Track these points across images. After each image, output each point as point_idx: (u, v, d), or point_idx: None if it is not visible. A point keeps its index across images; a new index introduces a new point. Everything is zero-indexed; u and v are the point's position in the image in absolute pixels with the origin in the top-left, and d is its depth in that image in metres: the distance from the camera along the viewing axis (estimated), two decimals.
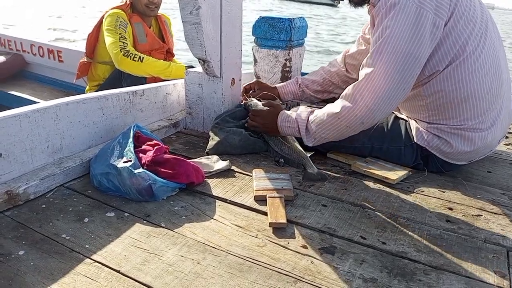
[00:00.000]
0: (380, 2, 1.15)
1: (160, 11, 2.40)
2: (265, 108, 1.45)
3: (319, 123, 1.26)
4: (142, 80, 2.12)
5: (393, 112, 1.42)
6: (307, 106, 1.47)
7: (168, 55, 2.45)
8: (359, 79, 1.17)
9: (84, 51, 2.38)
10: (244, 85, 1.68)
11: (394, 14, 1.10)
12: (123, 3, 2.25)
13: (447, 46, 1.15)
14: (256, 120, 1.44)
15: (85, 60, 2.38)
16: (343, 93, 1.22)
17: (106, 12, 2.22)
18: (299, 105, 1.66)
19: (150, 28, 2.33)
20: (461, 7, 1.13)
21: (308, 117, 1.30)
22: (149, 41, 2.27)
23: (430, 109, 1.25)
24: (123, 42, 2.10)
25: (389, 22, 1.11)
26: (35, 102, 2.94)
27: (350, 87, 1.19)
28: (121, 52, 2.06)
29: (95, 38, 2.29)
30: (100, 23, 2.24)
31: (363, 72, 1.16)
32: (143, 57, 2.09)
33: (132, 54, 2.07)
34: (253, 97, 1.60)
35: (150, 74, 2.12)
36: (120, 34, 2.11)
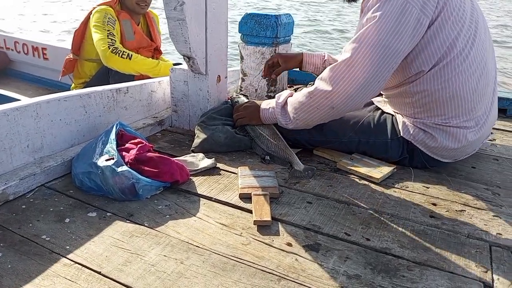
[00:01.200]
0: None
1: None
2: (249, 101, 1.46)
3: (294, 103, 1.28)
4: (130, 78, 2.09)
5: (379, 107, 1.42)
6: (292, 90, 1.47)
7: (156, 52, 2.42)
8: (338, 62, 1.17)
9: (70, 48, 2.34)
10: (265, 63, 1.68)
11: (381, 5, 1.10)
12: (110, 0, 2.22)
13: (434, 46, 1.15)
14: (239, 110, 1.46)
15: (71, 57, 2.34)
16: (321, 75, 1.22)
17: (94, 8, 2.18)
18: None
19: (138, 25, 2.30)
20: (449, 7, 1.13)
21: (287, 99, 1.32)
22: (136, 39, 2.24)
23: (416, 106, 1.26)
24: (111, 39, 2.07)
25: (374, 13, 1.11)
26: (19, 101, 2.89)
27: (328, 69, 1.19)
28: (109, 48, 2.03)
29: (81, 34, 2.24)
30: (87, 19, 2.21)
31: (343, 56, 1.16)
32: (131, 55, 2.06)
33: (121, 51, 2.04)
34: (277, 75, 1.65)
35: (138, 72, 2.09)
36: (108, 30, 2.08)
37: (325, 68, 1.64)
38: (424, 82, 1.20)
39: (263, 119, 1.39)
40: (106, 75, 2.17)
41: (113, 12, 2.16)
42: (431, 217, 1.05)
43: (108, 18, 2.11)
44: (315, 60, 1.67)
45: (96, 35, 2.09)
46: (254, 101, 1.48)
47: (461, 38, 1.15)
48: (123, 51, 2.05)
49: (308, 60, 1.67)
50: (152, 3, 2.33)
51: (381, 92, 1.41)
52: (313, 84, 1.24)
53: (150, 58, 2.19)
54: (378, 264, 0.86)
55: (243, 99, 1.52)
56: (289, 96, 1.33)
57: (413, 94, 1.24)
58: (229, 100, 1.58)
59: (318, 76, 1.26)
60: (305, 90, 1.25)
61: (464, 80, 1.17)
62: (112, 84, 2.11)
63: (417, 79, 1.21)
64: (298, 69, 1.71)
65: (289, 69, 1.73)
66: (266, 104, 1.39)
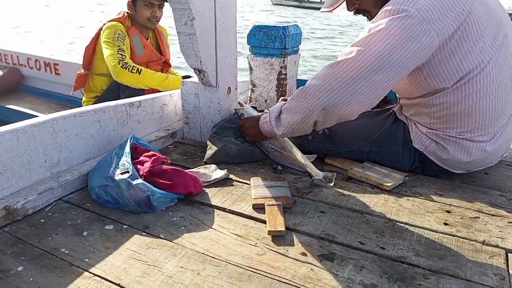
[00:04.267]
0: (390, 2, 1.13)
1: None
2: (254, 114, 1.46)
3: (288, 107, 1.25)
4: (140, 92, 2.13)
5: (391, 112, 1.41)
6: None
7: (165, 65, 2.46)
8: (337, 60, 1.15)
9: (81, 63, 2.40)
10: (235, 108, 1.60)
11: (400, 18, 1.07)
12: (120, 15, 2.27)
13: (454, 64, 1.13)
14: (242, 128, 1.46)
15: (83, 71, 2.39)
16: (317, 73, 1.19)
17: (104, 24, 2.23)
18: None
19: (147, 40, 2.35)
20: (468, 25, 1.10)
21: (282, 107, 1.29)
22: (146, 53, 2.29)
23: (433, 117, 1.25)
24: (121, 54, 2.11)
25: (390, 22, 1.08)
26: (33, 116, 2.94)
27: (325, 67, 1.17)
28: (119, 64, 2.08)
29: (92, 50, 2.30)
30: (97, 35, 2.26)
31: (344, 56, 1.14)
32: (141, 69, 2.10)
33: (130, 66, 2.09)
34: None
35: (148, 86, 2.13)
36: (118, 46, 2.13)
37: None
38: (444, 95, 1.18)
39: (265, 134, 1.39)
40: (116, 90, 2.21)
41: (123, 27, 2.21)
42: (445, 224, 1.05)
43: (118, 34, 2.16)
44: None
45: (106, 51, 2.14)
46: (254, 116, 1.45)
47: (481, 57, 1.12)
48: (133, 66, 2.10)
49: None
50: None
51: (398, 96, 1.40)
52: None
53: (159, 72, 2.23)
54: (394, 273, 0.86)
55: (248, 112, 1.51)
56: (283, 105, 1.29)
57: (432, 105, 1.22)
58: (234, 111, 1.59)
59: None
60: (298, 90, 1.22)
61: (485, 96, 1.16)
62: (122, 98, 2.16)
63: (438, 92, 1.19)
64: None
65: None
66: (263, 119, 1.37)
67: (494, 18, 1.16)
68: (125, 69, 2.07)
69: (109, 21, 2.24)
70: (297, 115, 1.22)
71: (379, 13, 1.13)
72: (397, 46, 1.07)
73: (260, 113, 1.47)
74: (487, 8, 1.14)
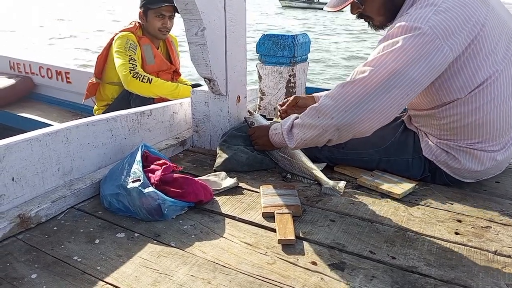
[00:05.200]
0: (400, 19, 1.13)
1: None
2: (264, 123, 1.47)
3: (301, 123, 1.24)
4: (150, 101, 2.16)
5: (402, 121, 1.41)
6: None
7: (175, 74, 2.50)
8: (349, 79, 1.14)
9: (92, 72, 2.44)
10: (281, 104, 1.60)
11: (413, 36, 1.06)
12: (132, 26, 2.31)
13: (466, 76, 1.12)
14: (252, 137, 1.47)
15: (94, 80, 2.43)
16: (328, 92, 1.18)
17: (116, 34, 2.27)
18: None
19: (158, 49, 2.39)
20: (481, 38, 1.09)
21: (294, 120, 1.28)
22: (157, 62, 2.32)
23: (444, 129, 1.24)
24: (133, 64, 2.15)
25: (404, 41, 1.07)
26: (45, 124, 2.99)
27: (337, 86, 1.16)
28: (130, 73, 2.11)
29: (104, 59, 2.34)
30: (109, 45, 2.30)
31: (357, 74, 1.13)
32: (151, 79, 2.13)
33: (141, 75, 2.12)
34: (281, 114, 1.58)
35: (158, 95, 2.17)
36: (129, 56, 2.16)
37: None
38: (455, 107, 1.18)
39: (274, 144, 1.39)
40: (127, 98, 2.24)
41: (135, 37, 2.24)
42: (456, 234, 1.05)
43: (130, 44, 2.19)
44: None
45: (118, 61, 2.17)
46: (264, 125, 1.45)
47: (494, 67, 1.12)
48: (144, 76, 2.13)
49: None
50: None
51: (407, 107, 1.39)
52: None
53: (169, 81, 2.25)
54: (405, 283, 0.86)
55: (258, 120, 1.52)
56: (295, 119, 1.29)
57: (442, 117, 1.22)
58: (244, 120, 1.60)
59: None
60: (310, 109, 1.21)
61: (496, 109, 1.15)
62: (133, 107, 2.18)
63: (449, 104, 1.19)
64: None
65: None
66: (273, 130, 1.37)
67: (506, 30, 1.16)
68: (136, 79, 2.11)
69: (120, 31, 2.28)
70: (310, 132, 1.21)
71: (394, 28, 1.11)
72: (411, 64, 1.06)
73: (269, 122, 1.48)
74: (499, 19, 1.14)
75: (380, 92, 1.08)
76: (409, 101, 1.11)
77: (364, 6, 1.26)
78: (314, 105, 1.21)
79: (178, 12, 2.25)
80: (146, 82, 2.11)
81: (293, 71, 1.84)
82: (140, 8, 2.28)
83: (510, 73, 1.16)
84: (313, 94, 1.64)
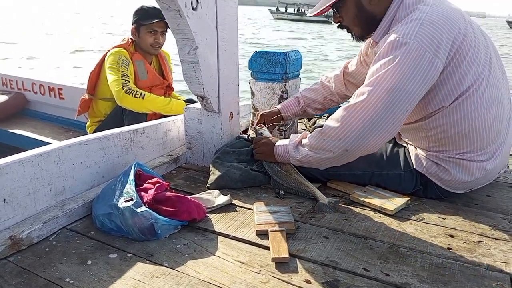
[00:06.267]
0: (386, 37, 1.18)
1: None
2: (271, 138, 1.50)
3: (307, 145, 1.28)
4: (143, 116, 2.16)
5: (392, 138, 1.44)
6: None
7: (168, 89, 2.51)
8: (351, 103, 1.19)
9: (85, 88, 2.44)
10: (254, 127, 1.63)
11: (404, 52, 1.11)
12: (124, 42, 2.33)
13: (451, 85, 1.17)
14: (258, 144, 1.48)
15: (87, 96, 2.43)
16: (333, 115, 1.23)
17: (109, 50, 2.29)
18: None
19: (150, 64, 2.40)
20: (465, 48, 1.14)
21: (301, 140, 1.33)
22: (149, 78, 2.33)
23: (431, 141, 1.27)
24: (125, 80, 2.16)
25: (392, 60, 1.12)
26: (37, 140, 2.97)
27: (340, 109, 1.20)
28: (123, 89, 2.12)
29: (97, 75, 2.34)
30: (102, 61, 2.31)
31: (356, 99, 1.17)
32: (144, 94, 2.14)
33: (134, 91, 2.13)
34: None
35: (151, 110, 2.17)
36: (122, 72, 2.17)
37: (304, 110, 1.70)
38: (441, 117, 1.21)
39: (277, 157, 1.41)
40: (120, 114, 2.24)
41: (127, 53, 2.26)
42: (449, 249, 1.05)
43: (122, 60, 2.21)
44: (292, 110, 1.71)
45: (110, 77, 2.18)
46: (274, 139, 1.48)
47: (476, 75, 1.17)
48: (136, 91, 2.14)
49: (286, 114, 1.70)
50: None
51: None
52: (326, 118, 1.27)
53: (162, 96, 2.26)
54: None
55: (266, 133, 1.54)
56: (303, 137, 1.33)
57: (429, 129, 1.25)
58: (252, 131, 1.61)
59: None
60: (316, 132, 1.26)
61: (481, 116, 1.18)
62: (125, 122, 2.18)
63: (434, 115, 1.22)
64: None
65: (277, 125, 1.72)
66: (280, 143, 1.41)
67: (481, 39, 1.22)
68: (129, 94, 2.11)
69: (113, 48, 2.29)
70: (316, 153, 1.26)
71: (383, 45, 1.16)
72: (406, 80, 1.11)
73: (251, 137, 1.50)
74: (474, 30, 1.20)
75: (381, 111, 1.13)
76: (408, 114, 1.16)
77: (340, 15, 1.33)
78: (319, 128, 1.25)
79: (169, 28, 2.29)
80: (139, 97, 2.12)
81: (285, 87, 1.86)
82: (132, 24, 2.31)
83: (491, 81, 1.20)
84: (279, 108, 1.71)
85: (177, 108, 2.17)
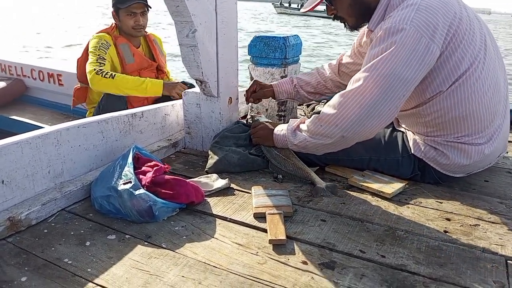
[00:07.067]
0: (381, 24, 1.18)
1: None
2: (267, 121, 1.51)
3: (305, 131, 1.30)
4: (121, 104, 2.10)
5: (390, 124, 1.44)
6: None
7: (160, 73, 2.42)
8: (347, 89, 1.19)
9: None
10: (247, 90, 1.69)
11: (400, 37, 1.10)
12: (108, 27, 2.29)
13: (448, 70, 1.16)
14: (257, 129, 1.49)
15: (79, 85, 2.37)
16: (329, 102, 1.23)
17: (93, 36, 2.24)
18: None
19: (139, 47, 2.34)
20: (461, 32, 1.14)
21: (299, 124, 1.35)
22: (136, 61, 2.26)
23: (429, 126, 1.27)
24: (100, 63, 2.09)
25: (388, 46, 1.12)
26: (36, 126, 2.97)
27: (337, 95, 1.21)
28: (94, 71, 2.05)
29: (84, 62, 2.25)
30: (87, 47, 2.24)
31: (353, 85, 1.18)
32: (114, 74, 2.05)
33: (104, 71, 2.04)
34: (254, 100, 1.69)
35: (124, 91, 2.07)
36: (99, 55, 2.11)
37: (297, 91, 1.71)
38: (438, 102, 1.21)
39: (276, 142, 1.41)
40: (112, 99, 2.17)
41: (109, 38, 2.20)
42: (445, 232, 1.06)
43: (101, 44, 2.15)
44: (285, 87, 1.70)
45: (88, 61, 2.14)
46: (273, 123, 1.49)
47: (472, 59, 1.16)
48: (107, 72, 2.04)
49: (279, 90, 1.70)
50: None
51: None
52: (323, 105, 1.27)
53: (138, 77, 2.14)
54: (394, 281, 0.87)
55: (264, 119, 1.56)
56: (301, 122, 1.34)
57: (427, 114, 1.25)
58: (249, 118, 1.62)
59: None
60: (313, 118, 1.27)
61: (477, 100, 1.18)
62: (101, 107, 2.11)
63: (431, 100, 1.22)
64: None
65: (266, 97, 1.73)
66: (279, 128, 1.42)
67: (476, 22, 1.22)
68: (99, 75, 2.03)
69: (97, 33, 2.25)
70: (314, 138, 1.27)
71: (380, 32, 1.16)
72: (402, 66, 1.10)
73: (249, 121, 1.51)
74: (469, 14, 1.20)
75: (378, 97, 1.12)
76: (404, 100, 1.16)
77: (334, 7, 1.32)
78: (317, 115, 1.26)
79: (150, 8, 2.22)
80: (109, 77, 2.03)
81: (284, 73, 1.85)
82: (112, 8, 2.24)
83: (487, 64, 1.19)
84: (273, 83, 1.71)
85: (152, 89, 2.06)
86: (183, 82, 2.22)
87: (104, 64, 2.11)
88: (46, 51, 9.71)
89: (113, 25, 2.29)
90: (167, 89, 2.07)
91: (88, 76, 2.08)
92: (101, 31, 2.26)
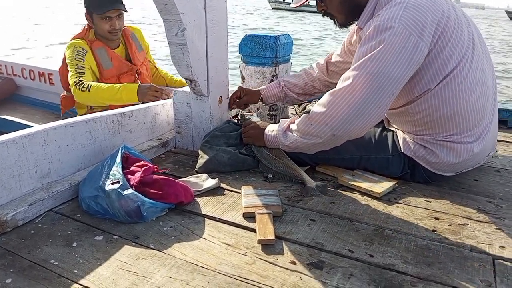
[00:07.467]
0: (370, 22, 1.18)
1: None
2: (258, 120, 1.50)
3: (295, 130, 1.30)
4: (107, 106, 2.02)
5: (380, 123, 1.44)
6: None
7: (140, 76, 2.25)
8: (337, 88, 1.19)
9: None
10: (230, 96, 1.67)
11: (389, 35, 1.10)
12: (81, 31, 2.15)
13: (436, 68, 1.17)
14: (247, 128, 1.48)
15: (65, 94, 2.29)
16: (319, 101, 1.23)
17: (67, 44, 2.12)
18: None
19: (118, 47, 2.20)
20: (448, 30, 1.15)
21: (289, 124, 1.35)
22: (115, 65, 2.13)
23: (418, 124, 1.27)
24: (79, 73, 2.00)
25: (377, 44, 1.12)
26: (26, 125, 2.94)
27: (326, 94, 1.21)
28: (74, 84, 1.97)
29: (66, 71, 2.13)
30: (65, 56, 2.14)
31: (342, 83, 1.18)
32: (90, 86, 1.94)
33: (81, 84, 1.95)
34: (238, 106, 1.67)
35: (102, 102, 1.98)
36: (77, 65, 2.01)
37: (285, 94, 1.70)
38: (426, 101, 1.21)
39: (267, 143, 1.41)
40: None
41: (84, 43, 2.08)
42: (433, 231, 1.06)
43: (77, 52, 2.03)
44: (273, 91, 1.70)
45: (69, 74, 2.04)
46: (263, 123, 1.48)
47: (460, 57, 1.17)
48: (84, 84, 1.95)
49: (267, 94, 1.69)
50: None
51: None
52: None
53: (110, 84, 1.98)
54: (382, 281, 0.87)
55: (255, 118, 1.56)
56: (291, 123, 1.34)
57: (415, 113, 1.25)
58: (239, 117, 1.61)
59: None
60: (303, 117, 1.27)
61: (465, 98, 1.19)
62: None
63: (419, 98, 1.23)
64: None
65: (252, 103, 1.72)
66: (270, 128, 1.41)
67: (464, 20, 1.22)
68: (77, 88, 1.96)
69: (71, 40, 2.13)
70: (304, 138, 1.27)
71: (368, 30, 1.16)
72: (391, 64, 1.11)
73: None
74: (456, 12, 1.21)
75: (367, 96, 1.13)
76: (393, 99, 1.17)
77: (324, 3, 1.32)
78: (307, 114, 1.26)
79: (126, 11, 2.10)
80: (85, 90, 1.93)
81: (275, 72, 1.84)
82: (85, 9, 2.08)
83: (475, 63, 1.20)
84: (260, 88, 1.71)
85: (128, 96, 1.91)
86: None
87: (84, 74, 2.00)
88: (46, 51, 9.61)
89: (86, 27, 2.15)
90: (140, 96, 1.92)
91: (72, 90, 2.00)
92: (74, 37, 2.14)
